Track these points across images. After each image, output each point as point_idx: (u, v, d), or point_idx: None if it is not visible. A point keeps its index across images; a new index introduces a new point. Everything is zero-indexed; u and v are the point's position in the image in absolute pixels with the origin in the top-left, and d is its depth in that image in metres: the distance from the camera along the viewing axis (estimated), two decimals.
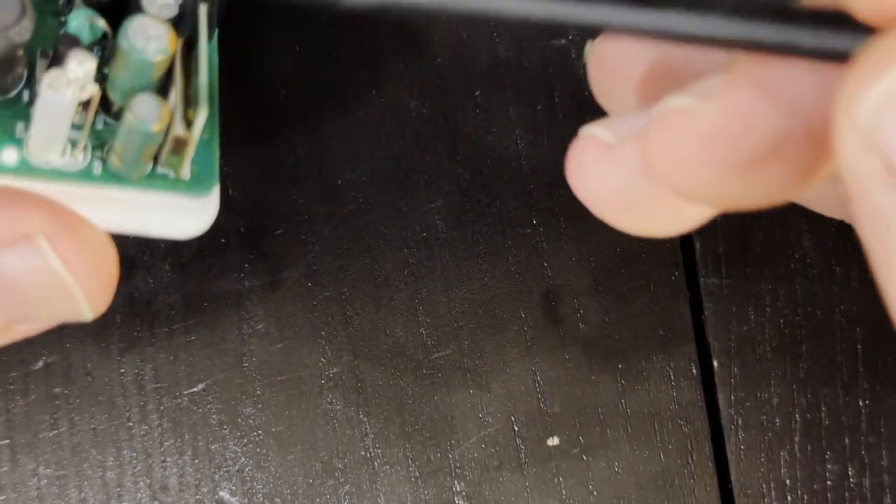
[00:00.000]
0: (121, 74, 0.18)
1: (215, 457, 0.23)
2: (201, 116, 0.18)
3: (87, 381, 0.23)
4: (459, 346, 0.24)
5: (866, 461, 0.24)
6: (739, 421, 0.24)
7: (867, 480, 0.24)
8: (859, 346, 0.24)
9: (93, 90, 0.17)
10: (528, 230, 0.24)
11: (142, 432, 0.23)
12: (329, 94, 0.24)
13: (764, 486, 0.24)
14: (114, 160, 0.19)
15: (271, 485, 0.23)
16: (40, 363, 0.23)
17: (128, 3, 0.18)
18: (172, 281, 0.23)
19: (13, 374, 0.23)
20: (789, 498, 0.24)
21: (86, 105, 0.18)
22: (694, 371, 0.24)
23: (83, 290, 0.16)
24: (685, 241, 0.25)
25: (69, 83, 0.17)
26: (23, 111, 0.19)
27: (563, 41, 0.25)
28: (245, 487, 0.23)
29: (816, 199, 0.22)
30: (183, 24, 0.18)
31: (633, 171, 0.15)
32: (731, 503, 0.24)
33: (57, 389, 0.23)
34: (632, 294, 0.24)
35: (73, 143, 0.19)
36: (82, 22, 0.18)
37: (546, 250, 0.24)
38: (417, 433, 0.24)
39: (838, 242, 0.24)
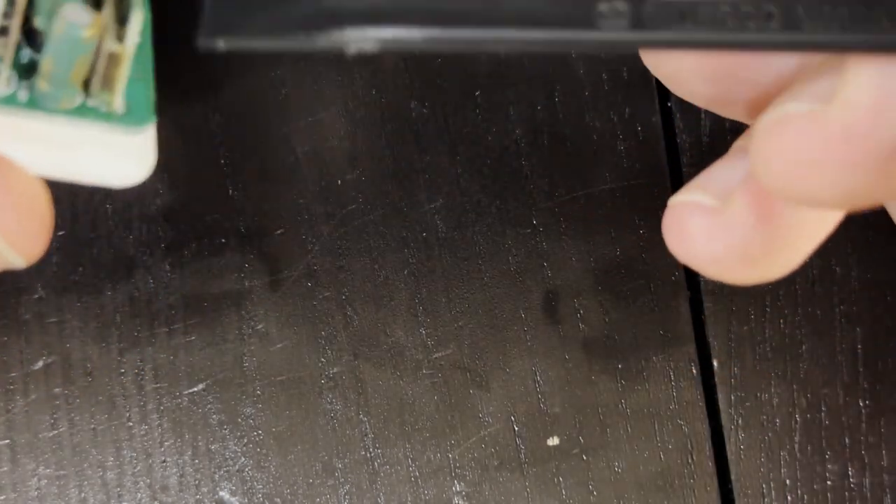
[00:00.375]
0: None
1: (215, 457, 0.23)
2: (135, 22, 0.17)
3: (87, 381, 0.23)
4: (459, 346, 0.24)
5: (866, 461, 0.24)
6: (739, 421, 0.24)
7: (867, 480, 0.24)
8: (859, 346, 0.24)
9: None
10: (528, 230, 0.24)
11: (142, 432, 0.23)
12: (329, 93, 0.24)
13: (764, 486, 0.24)
14: (41, 84, 0.18)
15: (271, 485, 0.23)
16: (40, 363, 0.23)
17: None
18: (172, 281, 0.23)
19: (13, 374, 0.23)
20: (789, 498, 0.24)
21: (4, 32, 0.17)
22: (694, 371, 0.24)
23: (10, 242, 0.15)
24: None
25: None
26: None
27: None
28: (245, 487, 0.23)
29: None
30: None
31: (748, 225, 0.15)
32: (731, 503, 0.24)
33: (57, 389, 0.23)
34: (632, 294, 0.24)
35: None
36: None
37: (546, 250, 0.24)
38: (417, 433, 0.24)
39: (838, 242, 0.24)
